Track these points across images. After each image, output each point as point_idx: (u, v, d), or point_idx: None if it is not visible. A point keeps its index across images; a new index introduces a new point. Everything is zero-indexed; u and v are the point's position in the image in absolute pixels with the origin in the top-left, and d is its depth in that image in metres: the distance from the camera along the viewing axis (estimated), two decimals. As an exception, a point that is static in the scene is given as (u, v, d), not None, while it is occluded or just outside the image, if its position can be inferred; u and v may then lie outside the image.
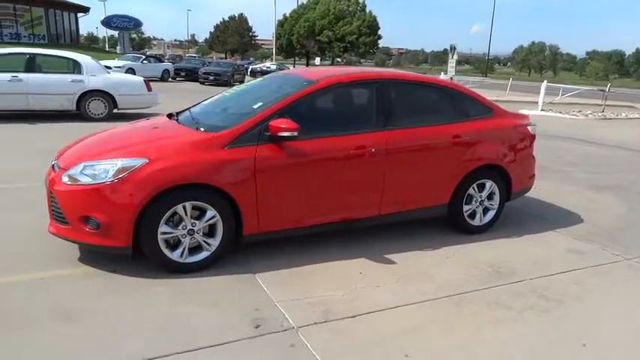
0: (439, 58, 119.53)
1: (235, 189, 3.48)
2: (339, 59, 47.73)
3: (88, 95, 10.56)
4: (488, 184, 4.59)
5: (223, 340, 2.72)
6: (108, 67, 24.29)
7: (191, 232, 3.46)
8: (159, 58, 30.44)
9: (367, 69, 4.73)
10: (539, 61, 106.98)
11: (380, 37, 47.93)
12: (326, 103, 4.11)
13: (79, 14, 44.73)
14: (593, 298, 3.51)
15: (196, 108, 4.50)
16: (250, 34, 77.62)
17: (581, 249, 4.45)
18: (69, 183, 3.38)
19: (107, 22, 46.07)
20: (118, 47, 48.76)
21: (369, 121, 4.02)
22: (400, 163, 4.10)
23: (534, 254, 4.26)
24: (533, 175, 5.11)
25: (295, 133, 3.51)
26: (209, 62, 34.10)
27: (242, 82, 29.86)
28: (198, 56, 52.50)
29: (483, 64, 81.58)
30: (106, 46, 73.76)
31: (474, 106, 4.59)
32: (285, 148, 3.63)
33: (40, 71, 10.29)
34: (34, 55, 10.50)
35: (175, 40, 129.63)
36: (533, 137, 4.92)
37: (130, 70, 25.08)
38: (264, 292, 3.31)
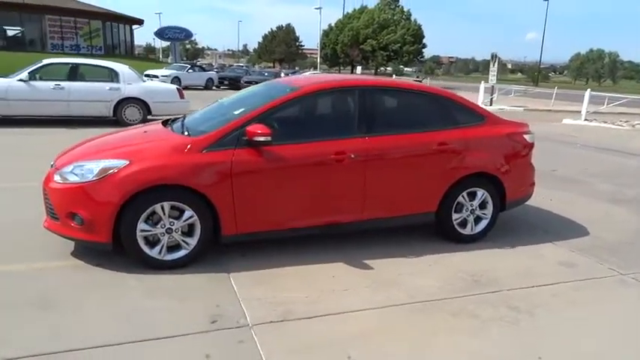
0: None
1: (212, 191, 3.63)
2: (382, 68, 47.69)
3: (124, 102, 11.14)
4: (480, 192, 4.52)
5: (176, 332, 2.85)
6: (155, 76, 25.64)
7: (169, 231, 3.63)
8: (203, 68, 31.51)
9: (351, 76, 4.75)
10: (597, 69, 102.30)
11: (425, 46, 47.52)
12: (307, 109, 4.21)
13: (134, 26, 46.99)
14: (569, 312, 3.39)
15: (192, 115, 4.70)
16: (297, 43, 78.89)
17: (575, 262, 4.30)
18: (60, 181, 3.64)
19: (160, 33, 48.18)
20: (170, 57, 50.79)
21: (350, 128, 4.08)
22: (382, 170, 4.12)
23: (522, 265, 4.16)
24: (532, 183, 4.98)
25: (269, 138, 3.62)
26: (253, 71, 34.96)
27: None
28: (246, 65, 53.87)
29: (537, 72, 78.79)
30: (160, 55, 77.10)
31: (464, 114, 4.54)
32: (262, 153, 3.74)
33: (80, 80, 10.97)
34: (76, 64, 11.22)
35: (228, 50, 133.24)
36: (530, 146, 4.80)
37: (176, 79, 26.16)
38: (233, 290, 3.43)
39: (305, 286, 3.56)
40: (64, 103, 10.66)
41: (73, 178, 3.58)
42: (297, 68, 64.84)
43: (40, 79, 10.55)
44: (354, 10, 50.52)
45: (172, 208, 3.61)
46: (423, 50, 48.17)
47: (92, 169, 3.55)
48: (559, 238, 4.88)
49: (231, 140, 3.72)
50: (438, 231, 4.60)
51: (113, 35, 41.10)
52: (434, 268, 4.01)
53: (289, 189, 3.88)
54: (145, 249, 3.61)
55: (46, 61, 10.93)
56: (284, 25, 79.69)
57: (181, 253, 3.72)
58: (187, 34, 50.02)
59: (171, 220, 3.63)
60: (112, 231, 3.50)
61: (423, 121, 4.43)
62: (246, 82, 27.77)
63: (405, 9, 47.65)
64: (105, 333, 2.81)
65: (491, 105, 22.18)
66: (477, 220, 4.62)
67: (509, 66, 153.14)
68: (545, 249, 4.59)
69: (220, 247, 3.97)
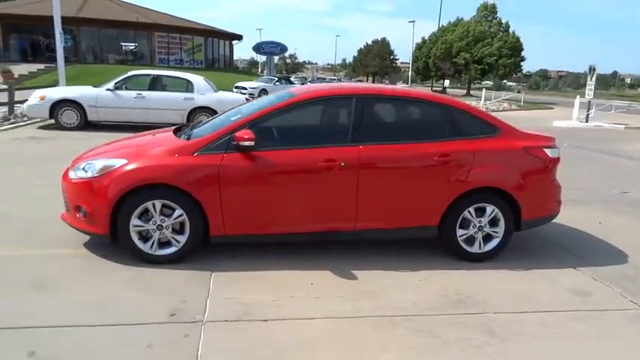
0: (605, 82, 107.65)
1: (200, 192, 3.80)
2: (477, 81, 45.85)
3: (197, 111, 11.91)
4: (490, 209, 4.25)
5: (133, 322, 3.03)
6: (244, 88, 27.02)
7: (160, 228, 3.86)
8: (290, 81, 32.63)
9: (352, 84, 4.64)
10: None
11: (523, 59, 44.93)
12: (301, 116, 4.25)
13: (234, 41, 49.96)
14: (549, 343, 3.07)
15: (203, 122, 4.90)
16: (391, 57, 78.65)
17: (590, 290, 3.87)
18: (72, 177, 4.03)
19: (257, 48, 50.58)
20: (265, 70, 53.15)
21: (342, 136, 4.05)
22: (376, 179, 4.04)
23: (525, 289, 3.84)
24: (557, 202, 4.56)
25: (252, 143, 3.73)
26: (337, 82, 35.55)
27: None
28: (338, 78, 54.89)
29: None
30: (259, 69, 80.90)
31: (474, 125, 4.30)
32: (251, 158, 3.86)
33: (160, 90, 11.96)
34: (157, 76, 12.26)
35: (328, 64, 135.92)
36: (553, 161, 4.41)
37: (263, 91, 27.40)
38: (207, 288, 3.56)
39: (279, 290, 3.59)
40: (144, 111, 11.65)
41: (81, 175, 3.94)
42: (386, 81, 64.55)
43: (126, 88, 11.66)
44: (449, 22, 49.39)
45: (164, 206, 3.84)
46: (522, 63, 45.63)
47: (96, 166, 3.89)
48: (586, 263, 4.42)
49: (221, 145, 3.87)
50: (443, 247, 4.39)
51: (214, 50, 43.97)
52: (422, 284, 3.84)
53: (277, 194, 3.94)
54: (139, 243, 3.87)
55: (130, 73, 12.05)
56: (379, 39, 79.94)
57: (172, 249, 3.93)
58: (282, 49, 51.96)
59: (162, 217, 3.85)
60: (109, 224, 3.80)
61: (423, 131, 4.28)
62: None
63: (504, 21, 45.72)
64: (72, 315, 3.06)
65: (587, 121, 20.48)
66: (488, 238, 4.33)
67: (629, 80, 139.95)
68: (563, 274, 4.18)
69: (214, 247, 4.13)
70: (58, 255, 4.01)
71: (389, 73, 79.81)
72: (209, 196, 3.82)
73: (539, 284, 3.96)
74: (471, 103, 33.37)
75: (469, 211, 4.23)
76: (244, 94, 22.25)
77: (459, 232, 4.25)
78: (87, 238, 4.30)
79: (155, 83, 12.05)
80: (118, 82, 11.67)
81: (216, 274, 3.81)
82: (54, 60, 17.40)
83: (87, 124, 11.37)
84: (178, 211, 3.84)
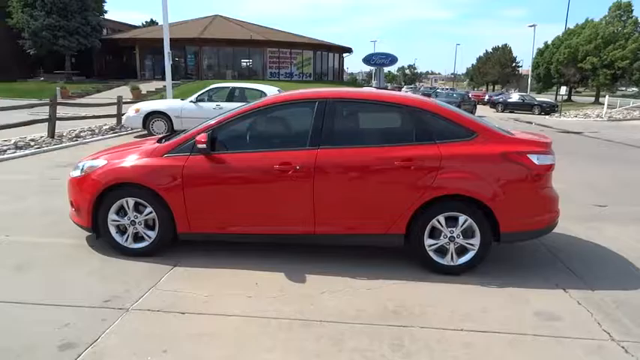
0: None
1: (166, 191, 4.09)
2: (605, 88, 41.07)
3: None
4: (462, 218, 3.94)
5: (69, 304, 3.37)
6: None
7: (133, 223, 4.22)
8: (393, 90, 32.38)
9: (322, 89, 4.48)
10: None
11: (664, 61, 39.23)
12: (264, 121, 4.34)
13: (345, 54, 51.10)
14: (460, 363, 2.79)
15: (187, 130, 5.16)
16: (514, 64, 74.08)
17: (562, 315, 3.40)
18: (70, 175, 4.57)
19: (367, 59, 50.92)
20: (374, 82, 53.49)
21: (302, 140, 4.06)
22: (332, 183, 3.99)
23: (480, 307, 3.50)
24: (549, 213, 4.07)
25: (204, 146, 3.94)
26: (439, 92, 34.70)
27: (471, 112, 29.20)
28: (450, 88, 53.27)
29: None
30: (372, 80, 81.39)
31: (446, 128, 4.02)
32: (212, 160, 4.06)
33: (236, 100, 12.76)
34: (234, 88, 13.12)
35: (451, 74, 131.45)
36: (540, 168, 3.95)
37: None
38: (158, 280, 3.81)
39: (222, 287, 3.71)
40: (222, 121, 12.50)
41: (74, 173, 4.46)
42: (503, 90, 60.85)
43: (207, 100, 12.66)
44: (576, 25, 45.14)
45: (137, 203, 4.19)
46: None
47: (84, 166, 4.38)
48: (582, 285, 3.89)
49: (187, 147, 4.13)
50: (413, 258, 4.16)
51: (322, 63, 45.38)
52: (367, 293, 3.69)
53: (236, 196, 4.08)
54: (116, 236, 4.26)
55: (211, 86, 13.07)
56: (499, 46, 75.84)
57: (144, 243, 4.26)
58: (392, 60, 51.62)
59: (135, 214, 4.21)
60: (91, 218, 4.25)
61: (387, 135, 4.12)
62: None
63: (641, 19, 40.49)
64: (27, 293, 3.51)
65: None
66: (462, 250, 4.02)
67: None
68: (542, 295, 3.73)
69: (193, 244, 4.39)
70: (52, 243, 4.54)
71: (510, 81, 75.27)
72: (174, 195, 4.09)
73: (502, 304, 3.57)
74: (594, 111, 30.03)
75: (438, 220, 3.97)
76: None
77: (428, 241, 4.01)
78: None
79: (233, 95, 12.91)
80: (201, 94, 12.72)
81: (177, 269, 4.05)
82: (180, 77, 19.41)
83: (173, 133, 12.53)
84: (148, 209, 4.17)
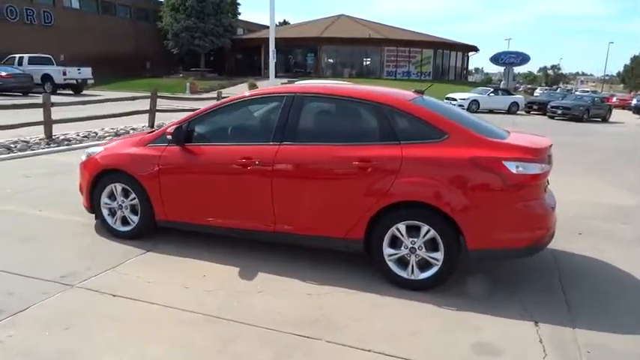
0: None
1: (145, 179, 4.32)
2: None
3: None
4: (424, 229, 3.54)
5: (35, 275, 3.69)
6: (454, 99, 26.26)
7: (120, 207, 4.52)
8: (508, 91, 29.99)
9: (298, 84, 4.25)
10: None
11: None
12: (236, 115, 4.31)
13: (470, 53, 48.66)
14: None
15: None
16: (678, 62, 64.11)
17: (506, 351, 2.90)
18: (81, 159, 5.02)
19: (495, 58, 48.04)
20: (502, 82, 50.03)
21: (266, 135, 3.98)
22: (290, 181, 3.86)
23: (415, 329, 3.13)
24: (536, 230, 3.48)
25: (171, 137, 4.06)
26: (568, 94, 31.39)
27: (604, 118, 25.86)
28: (593, 91, 47.71)
29: None
30: (505, 79, 76.17)
31: (416, 128, 3.64)
32: (184, 151, 4.19)
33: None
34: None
35: (605, 76, 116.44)
36: (519, 178, 3.37)
37: (474, 102, 26.17)
38: (123, 262, 4.03)
39: (169, 274, 3.82)
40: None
41: (83, 158, 4.91)
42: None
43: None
44: None
45: (124, 189, 4.48)
46: None
47: (87, 153, 4.80)
48: (565, 321, 3.27)
49: (165, 138, 4.30)
50: (375, 267, 3.85)
51: (443, 62, 43.76)
52: (304, 298, 3.52)
53: (202, 187, 4.16)
54: (108, 219, 4.61)
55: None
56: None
57: (130, 227, 4.54)
58: (523, 59, 48.03)
59: (122, 198, 4.51)
60: (90, 199, 4.65)
61: (350, 133, 3.86)
62: (552, 108, 25.08)
63: None
64: (10, 262, 3.94)
65: None
66: (426, 264, 3.62)
67: None
68: (500, 324, 3.21)
69: (189, 233, 4.51)
70: (64, 219, 5.03)
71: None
72: (152, 183, 4.30)
73: (442, 328, 3.16)
74: None
75: (398, 229, 3.62)
76: (454, 105, 21.63)
77: (388, 250, 3.68)
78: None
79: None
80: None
81: (149, 254, 4.25)
82: (302, 74, 20.25)
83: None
84: (132, 195, 4.44)
